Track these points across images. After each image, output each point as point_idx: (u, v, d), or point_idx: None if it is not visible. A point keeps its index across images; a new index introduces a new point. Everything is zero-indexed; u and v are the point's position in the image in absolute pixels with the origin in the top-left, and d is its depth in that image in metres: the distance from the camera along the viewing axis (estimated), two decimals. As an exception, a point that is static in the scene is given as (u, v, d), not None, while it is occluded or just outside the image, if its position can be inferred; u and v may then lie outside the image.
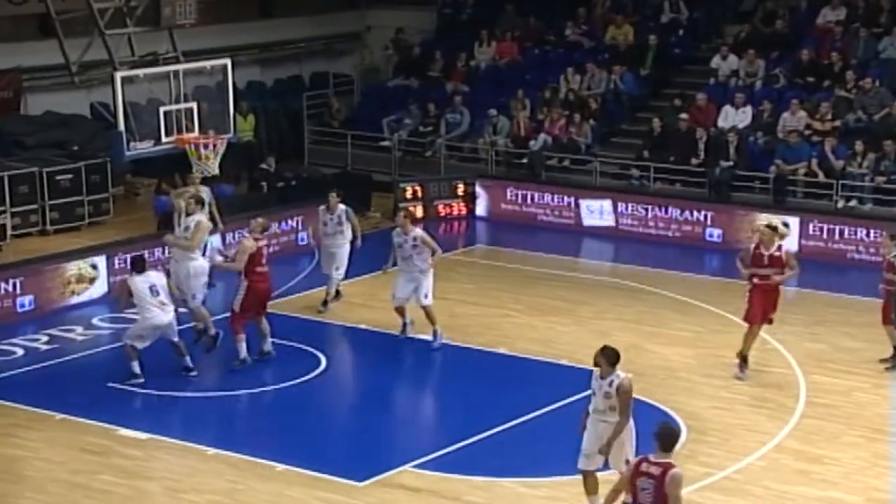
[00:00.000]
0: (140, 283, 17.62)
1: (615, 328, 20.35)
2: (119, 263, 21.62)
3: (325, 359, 19.04)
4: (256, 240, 18.49)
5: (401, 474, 15.16)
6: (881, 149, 25.35)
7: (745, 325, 18.30)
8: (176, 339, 18.06)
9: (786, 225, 23.55)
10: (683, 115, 27.48)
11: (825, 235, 24.33)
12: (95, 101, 28.19)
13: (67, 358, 19.29)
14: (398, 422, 17.53)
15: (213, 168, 22.43)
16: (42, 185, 25.31)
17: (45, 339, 19.98)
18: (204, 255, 19.89)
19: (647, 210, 25.95)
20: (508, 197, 27.27)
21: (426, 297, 19.13)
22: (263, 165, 27.74)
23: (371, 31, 34.76)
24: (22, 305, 20.89)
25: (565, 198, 26.70)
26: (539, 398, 17.19)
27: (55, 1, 23.36)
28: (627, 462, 13.26)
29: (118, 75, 22.28)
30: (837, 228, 24.29)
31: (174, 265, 19.10)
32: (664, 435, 10.99)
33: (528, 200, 27.07)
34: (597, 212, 26.39)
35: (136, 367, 17.89)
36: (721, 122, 27.44)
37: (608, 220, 26.28)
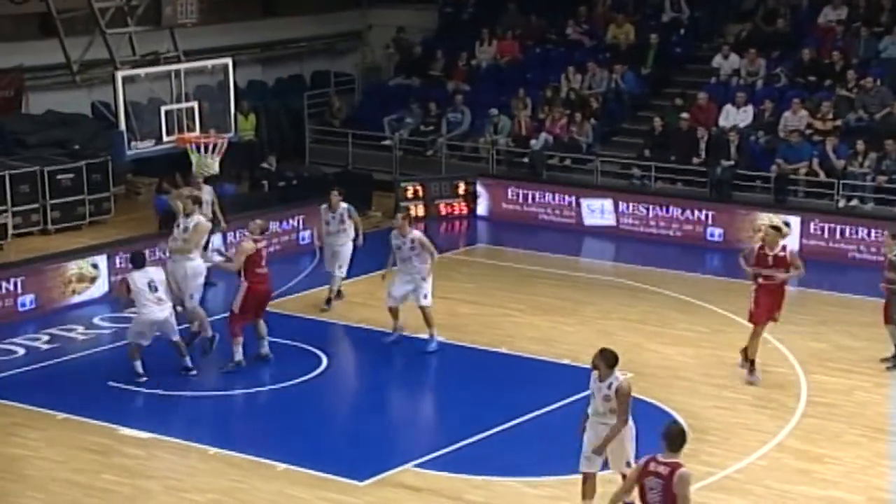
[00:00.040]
0: (139, 278, 17.63)
1: (616, 327, 20.36)
2: (120, 263, 21.60)
3: (326, 358, 19.04)
4: (255, 241, 18.39)
5: (402, 473, 15.16)
6: (882, 148, 25.35)
7: (748, 325, 18.26)
8: (175, 338, 18.06)
9: (787, 224, 23.58)
10: (684, 115, 27.48)
11: (826, 235, 24.32)
12: (96, 100, 28.20)
13: (68, 357, 19.29)
14: (399, 421, 17.53)
15: (214, 167, 22.43)
16: (43, 184, 25.31)
17: (45, 338, 19.98)
18: (206, 251, 19.91)
19: (648, 209, 25.94)
20: (509, 196, 27.26)
21: (425, 297, 19.01)
22: (264, 165, 27.77)
23: (372, 30, 34.76)
24: (23, 305, 20.90)
25: (566, 197, 26.70)
26: (540, 398, 17.18)
27: (56, 0, 23.36)
28: (628, 464, 13.28)
29: (119, 74, 22.29)
30: (838, 228, 24.28)
31: (172, 265, 19.03)
32: (672, 435, 10.94)
33: (530, 200, 27.07)
34: (598, 211, 26.38)
35: (139, 367, 17.90)
36: (722, 122, 27.44)
37: (609, 220, 26.28)
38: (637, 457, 13.34)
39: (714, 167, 26.39)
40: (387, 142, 30.21)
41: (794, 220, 24.22)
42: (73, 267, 21.54)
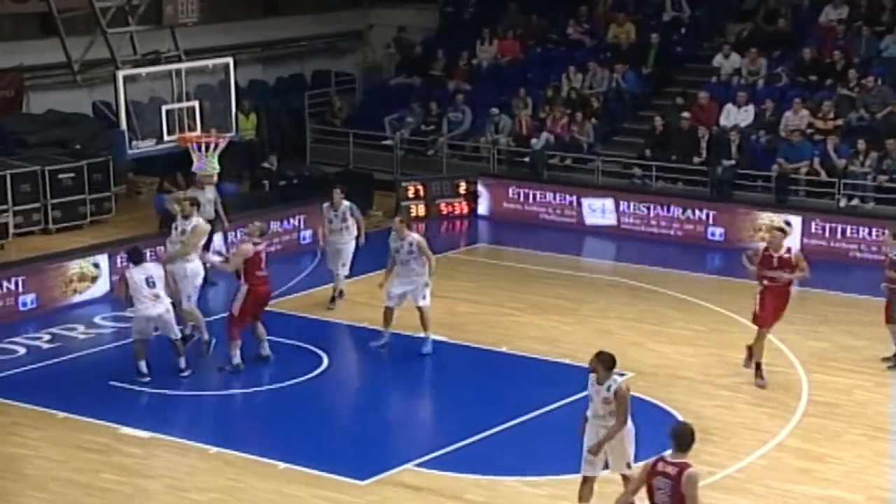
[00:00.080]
0: (137, 274, 17.62)
1: (617, 327, 20.36)
2: (121, 262, 21.56)
3: (326, 357, 19.03)
4: (255, 244, 18.28)
5: (402, 473, 15.15)
6: (883, 147, 25.34)
7: (748, 324, 18.26)
8: (175, 336, 18.01)
9: (788, 224, 23.58)
10: (685, 114, 27.47)
11: (827, 234, 24.31)
12: (97, 99, 28.20)
13: (69, 356, 19.29)
14: (400, 420, 17.51)
15: (214, 166, 22.42)
16: (44, 183, 25.30)
17: (47, 337, 19.98)
18: (207, 251, 19.88)
19: (648, 209, 25.93)
20: (510, 196, 27.26)
21: (424, 298, 18.85)
22: (265, 164, 27.78)
23: (373, 29, 34.77)
24: (24, 304, 20.90)
25: (567, 196, 26.69)
26: (540, 397, 17.18)
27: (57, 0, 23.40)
28: (629, 465, 13.28)
29: (120, 74, 22.33)
30: (839, 227, 24.27)
31: (170, 265, 18.94)
32: (680, 434, 10.91)
33: (530, 199, 27.06)
34: (599, 210, 26.38)
35: (143, 367, 17.89)
36: (723, 121, 27.43)
37: (610, 219, 26.27)
38: (637, 457, 13.37)
39: (715, 167, 26.39)
40: (388, 141, 30.21)
41: (796, 220, 24.21)
42: (75, 266, 21.54)
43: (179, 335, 18.16)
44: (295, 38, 33.32)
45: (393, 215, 25.13)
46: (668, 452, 10.93)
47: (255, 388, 17.95)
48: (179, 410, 17.57)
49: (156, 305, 17.63)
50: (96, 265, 21.73)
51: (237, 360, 18.26)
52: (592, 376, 13.14)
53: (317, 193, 23.72)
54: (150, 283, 17.60)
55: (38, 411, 17.01)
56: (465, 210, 27.45)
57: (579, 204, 26.52)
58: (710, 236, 25.35)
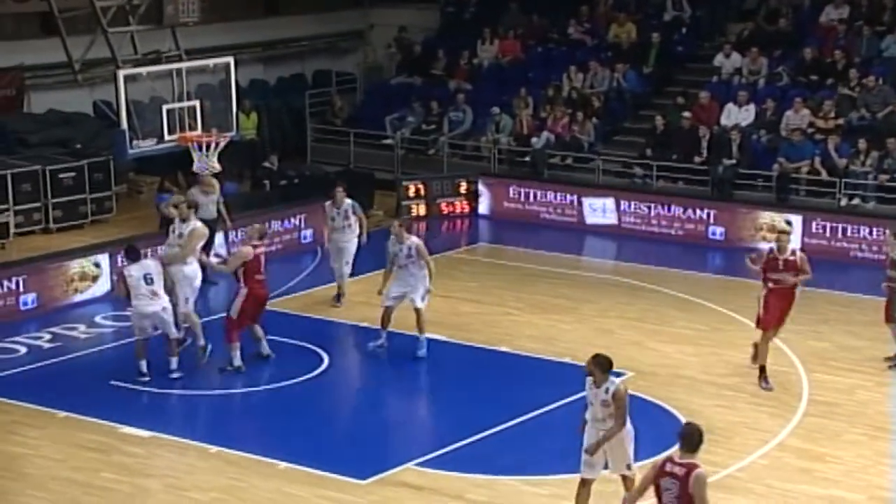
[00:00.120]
0: (135, 271, 17.61)
1: (617, 326, 20.35)
2: (122, 262, 21.57)
3: (327, 357, 19.03)
4: (255, 247, 18.22)
5: (403, 472, 15.15)
6: (884, 147, 25.34)
7: (748, 323, 18.24)
8: (173, 335, 17.98)
9: (789, 223, 23.60)
10: (686, 113, 27.48)
11: (828, 234, 24.30)
12: (98, 99, 28.20)
13: (70, 356, 19.29)
14: (400, 420, 17.50)
15: (215, 165, 22.43)
16: (45, 183, 25.30)
17: (47, 337, 19.98)
18: (207, 255, 19.85)
19: (649, 208, 25.93)
20: (511, 195, 27.26)
21: (422, 299, 18.71)
22: (266, 163, 27.78)
23: (374, 29, 34.78)
24: (25, 303, 20.90)
25: (568, 196, 26.69)
26: (541, 396, 17.17)
27: (58, -1, 23.44)
28: (628, 466, 13.26)
29: (121, 73, 22.32)
30: (840, 227, 24.27)
31: (167, 268, 18.87)
32: (688, 435, 10.88)
33: (531, 198, 27.06)
34: (599, 210, 26.37)
35: (144, 367, 17.87)
36: (724, 120, 27.43)
37: (611, 219, 26.27)
38: (637, 456, 13.36)
39: (716, 166, 26.39)
40: (388, 141, 30.21)
41: (796, 219, 24.22)
42: (75, 266, 21.54)
43: (177, 335, 18.11)
44: (296, 37, 33.33)
45: (394, 215, 25.19)
46: (675, 452, 10.92)
47: (256, 388, 17.94)
48: (180, 410, 17.58)
49: (153, 303, 17.59)
50: (97, 265, 21.73)
51: (238, 361, 18.23)
52: (589, 380, 13.07)
53: (317, 193, 23.71)
54: (149, 279, 17.57)
55: (38, 410, 17.01)
56: (466, 209, 27.45)
57: (580, 203, 26.51)
58: (710, 236, 25.35)
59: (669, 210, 25.73)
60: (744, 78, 28.57)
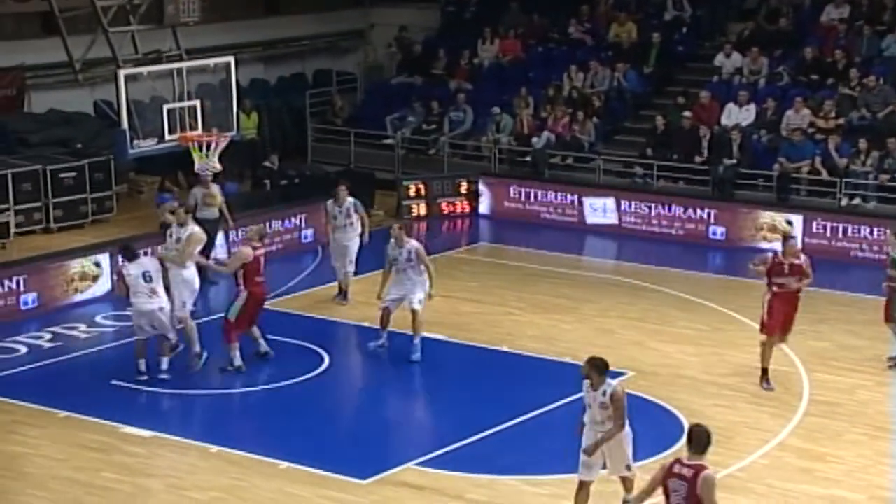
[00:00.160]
0: (133, 269, 17.59)
1: (618, 326, 20.35)
2: (122, 261, 21.58)
3: (327, 357, 19.03)
4: (254, 248, 18.18)
5: (404, 472, 15.15)
6: (885, 146, 25.34)
7: (749, 323, 18.22)
8: (171, 335, 17.92)
9: (789, 223, 23.61)
10: (687, 113, 27.48)
11: (829, 233, 24.30)
12: (99, 98, 28.19)
13: (71, 356, 19.29)
14: (401, 419, 17.51)
15: (216, 165, 22.42)
16: (46, 182, 25.31)
17: (48, 336, 19.98)
18: (208, 258, 19.82)
19: (650, 208, 25.93)
20: (512, 195, 27.26)
21: (420, 302, 18.58)
22: (267, 163, 27.79)
23: (375, 28, 34.77)
24: (25, 303, 20.91)
25: (568, 196, 26.69)
26: (542, 396, 17.17)
27: (58, -1, 23.44)
28: (628, 467, 13.26)
29: (122, 73, 22.33)
30: (841, 226, 24.26)
31: (166, 270, 18.83)
32: (697, 437, 10.85)
33: (532, 198, 27.06)
34: (600, 210, 26.37)
35: (143, 366, 17.87)
36: (724, 120, 27.43)
37: (611, 218, 26.26)
38: (636, 456, 13.36)
39: (716, 166, 26.38)
40: (389, 140, 30.21)
41: (797, 219, 24.22)
42: (76, 265, 21.54)
43: (174, 337, 18.05)
44: (296, 37, 33.32)
45: (394, 214, 25.19)
46: (684, 453, 10.90)
47: (256, 388, 17.93)
48: (181, 410, 17.58)
49: (151, 301, 17.54)
50: (97, 264, 21.74)
51: (238, 361, 18.21)
52: (587, 383, 13.04)
53: (318, 193, 23.71)
54: (147, 277, 17.53)
55: (39, 410, 17.01)
56: (467, 209, 27.45)
57: (580, 203, 26.51)
58: (711, 235, 25.34)
59: (670, 210, 25.73)
60: (744, 78, 28.57)
